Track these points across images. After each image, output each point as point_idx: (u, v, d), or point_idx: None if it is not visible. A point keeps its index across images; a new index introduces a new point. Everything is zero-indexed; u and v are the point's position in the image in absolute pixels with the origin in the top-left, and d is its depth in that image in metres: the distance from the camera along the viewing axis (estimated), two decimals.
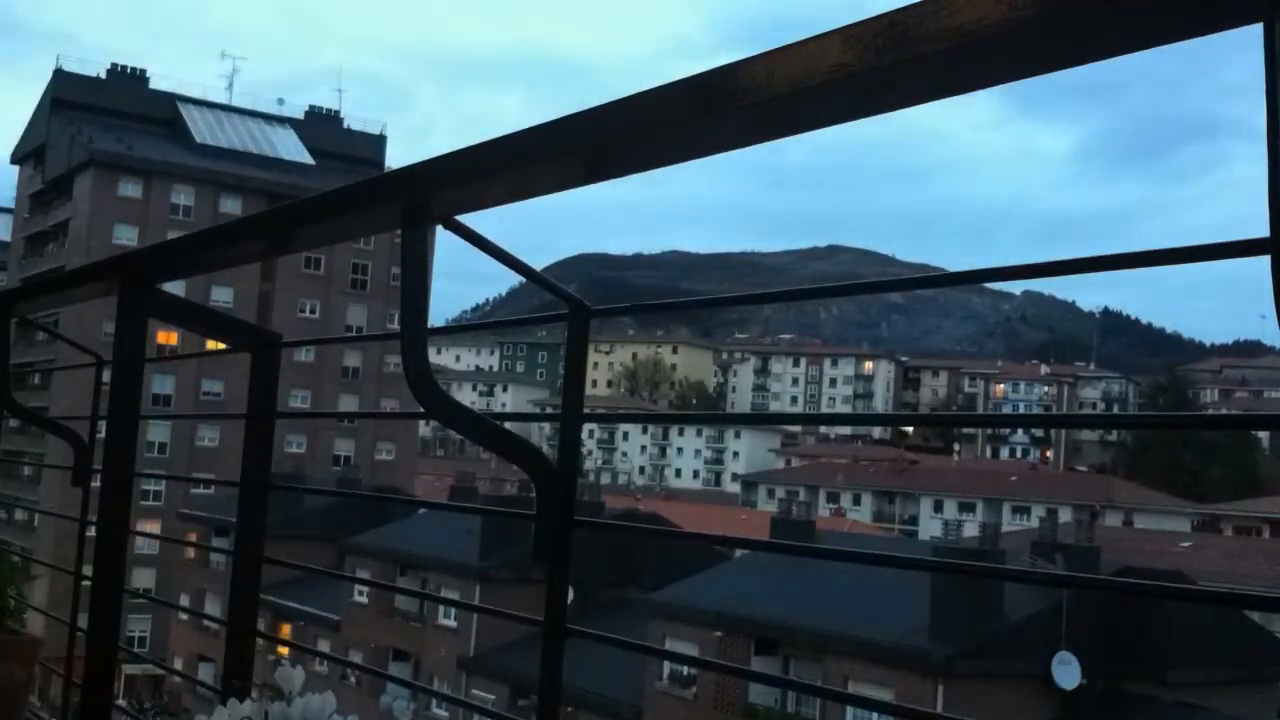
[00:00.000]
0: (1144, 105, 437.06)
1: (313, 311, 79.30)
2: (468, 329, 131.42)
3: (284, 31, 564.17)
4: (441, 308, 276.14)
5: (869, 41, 1.23)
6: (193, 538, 58.93)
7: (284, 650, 30.47)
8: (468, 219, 2.08)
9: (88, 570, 3.35)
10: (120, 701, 5.08)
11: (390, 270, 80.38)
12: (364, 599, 48.12)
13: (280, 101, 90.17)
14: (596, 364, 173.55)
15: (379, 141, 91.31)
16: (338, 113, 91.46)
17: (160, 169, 77.19)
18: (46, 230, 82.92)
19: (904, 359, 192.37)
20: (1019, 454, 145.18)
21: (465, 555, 43.26)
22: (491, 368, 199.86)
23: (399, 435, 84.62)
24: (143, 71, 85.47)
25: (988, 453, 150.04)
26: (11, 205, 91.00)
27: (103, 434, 3.42)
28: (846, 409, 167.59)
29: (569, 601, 2.23)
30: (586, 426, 3.56)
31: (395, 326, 2.25)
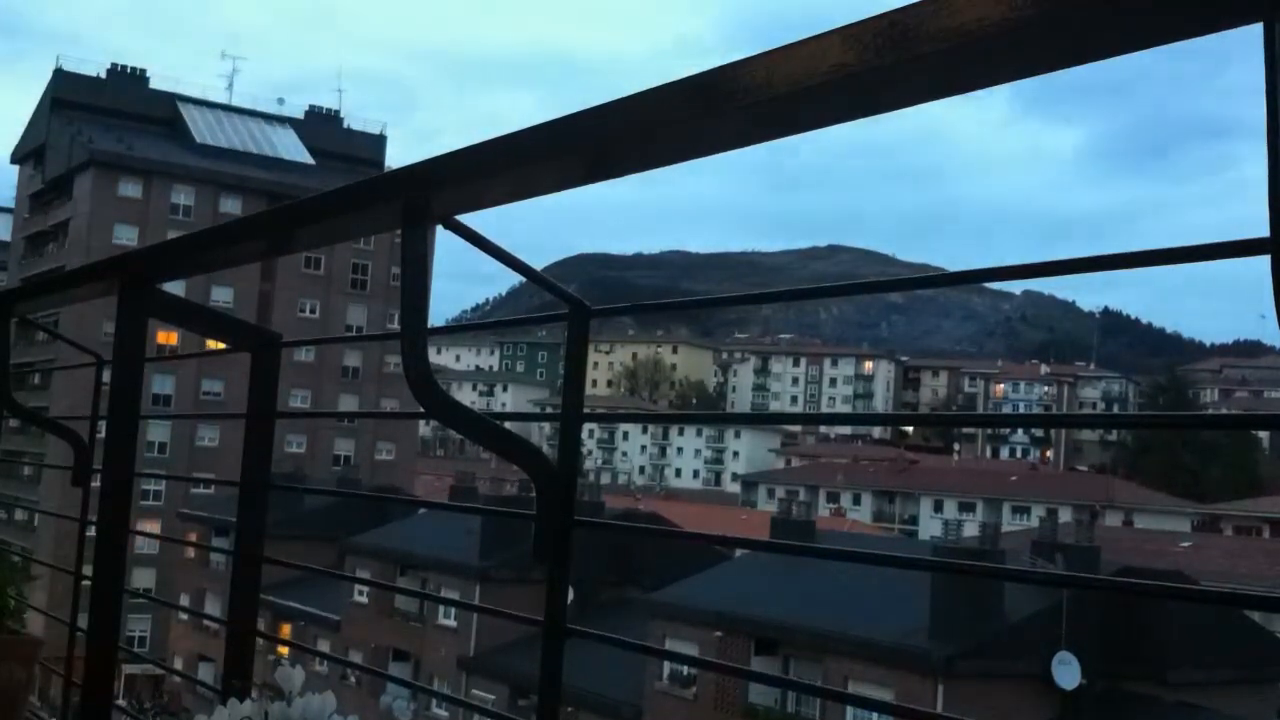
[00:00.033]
0: (1151, 105, 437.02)
1: (313, 311, 79.30)
2: (468, 329, 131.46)
3: (295, 32, 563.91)
4: (441, 308, 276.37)
5: (869, 41, 1.23)
6: (193, 538, 58.93)
7: (284, 650, 30.46)
8: (468, 219, 2.08)
9: (88, 570, 3.35)
10: (120, 701, 5.09)
11: (390, 270, 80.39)
12: (364, 599, 48.12)
13: (280, 101, 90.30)
14: (596, 364, 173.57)
15: (379, 141, 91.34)
16: (338, 113, 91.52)
17: (160, 169, 77.21)
18: (46, 230, 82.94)
19: (904, 359, 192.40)
20: (1019, 454, 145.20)
21: (465, 555, 43.26)
22: (491, 368, 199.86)
23: (399, 435, 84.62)
24: (143, 71, 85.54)
25: (988, 453, 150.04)
26: (11, 205, 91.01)
27: (103, 434, 3.42)
28: (846, 409, 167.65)
29: (569, 601, 2.23)
30: (586, 426, 3.56)
31: (395, 326, 2.25)
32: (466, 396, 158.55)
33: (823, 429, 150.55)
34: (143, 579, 61.91)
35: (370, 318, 79.67)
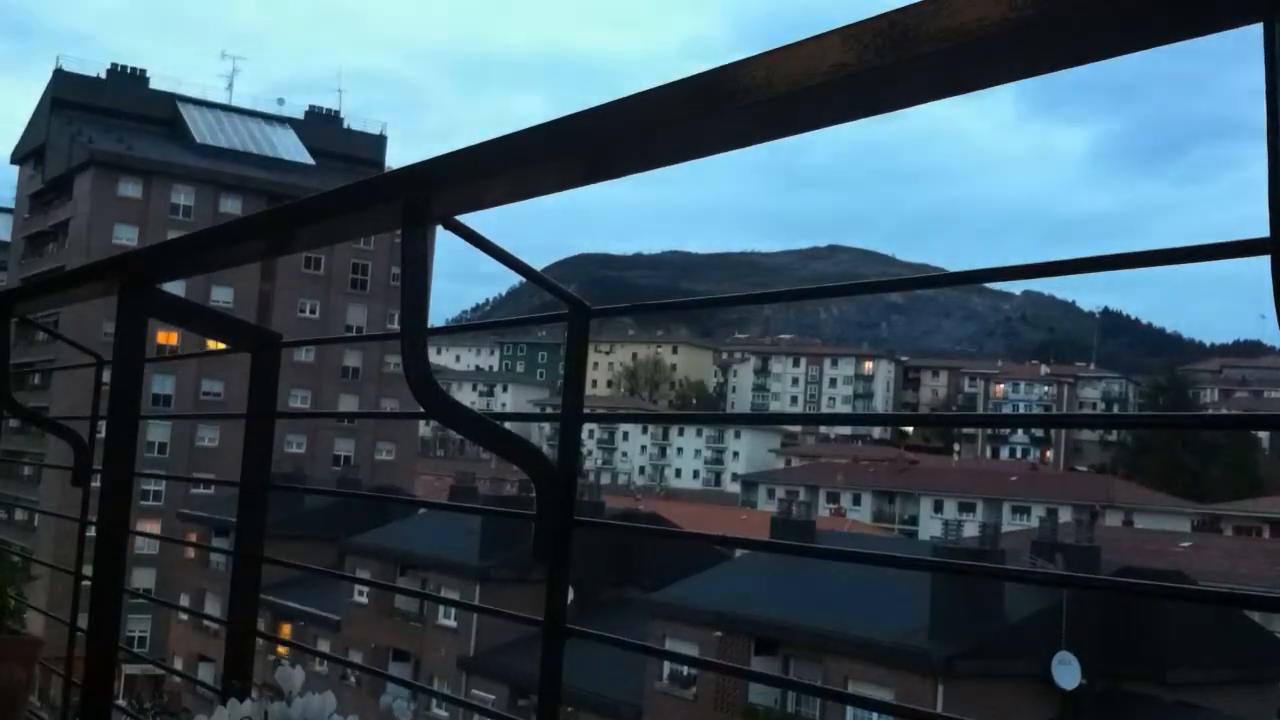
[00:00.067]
0: (1160, 105, 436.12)
1: (313, 311, 79.31)
2: (468, 329, 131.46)
3: (302, 33, 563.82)
4: (441, 308, 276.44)
5: (869, 41, 1.23)
6: (193, 538, 58.94)
7: (284, 650, 30.46)
8: (468, 219, 2.08)
9: (88, 570, 3.35)
10: (120, 701, 5.09)
11: (390, 270, 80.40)
12: (364, 599, 48.12)
13: (280, 101, 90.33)
14: (596, 364, 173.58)
15: (379, 141, 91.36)
16: (338, 113, 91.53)
17: (160, 169, 77.21)
18: (46, 230, 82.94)
19: (904, 359, 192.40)
20: (1019, 454, 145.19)
21: (465, 555, 43.26)
22: (491, 368, 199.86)
23: (399, 435, 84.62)
24: (142, 71, 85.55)
25: (988, 453, 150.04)
26: (11, 205, 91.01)
27: (103, 434, 3.42)
28: (846, 409, 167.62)
29: (569, 601, 2.23)
30: (586, 426, 3.56)
31: (395, 326, 2.25)
32: (466, 396, 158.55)
33: (823, 429, 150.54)
34: (143, 579, 61.90)
35: (370, 318, 79.67)
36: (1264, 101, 1.07)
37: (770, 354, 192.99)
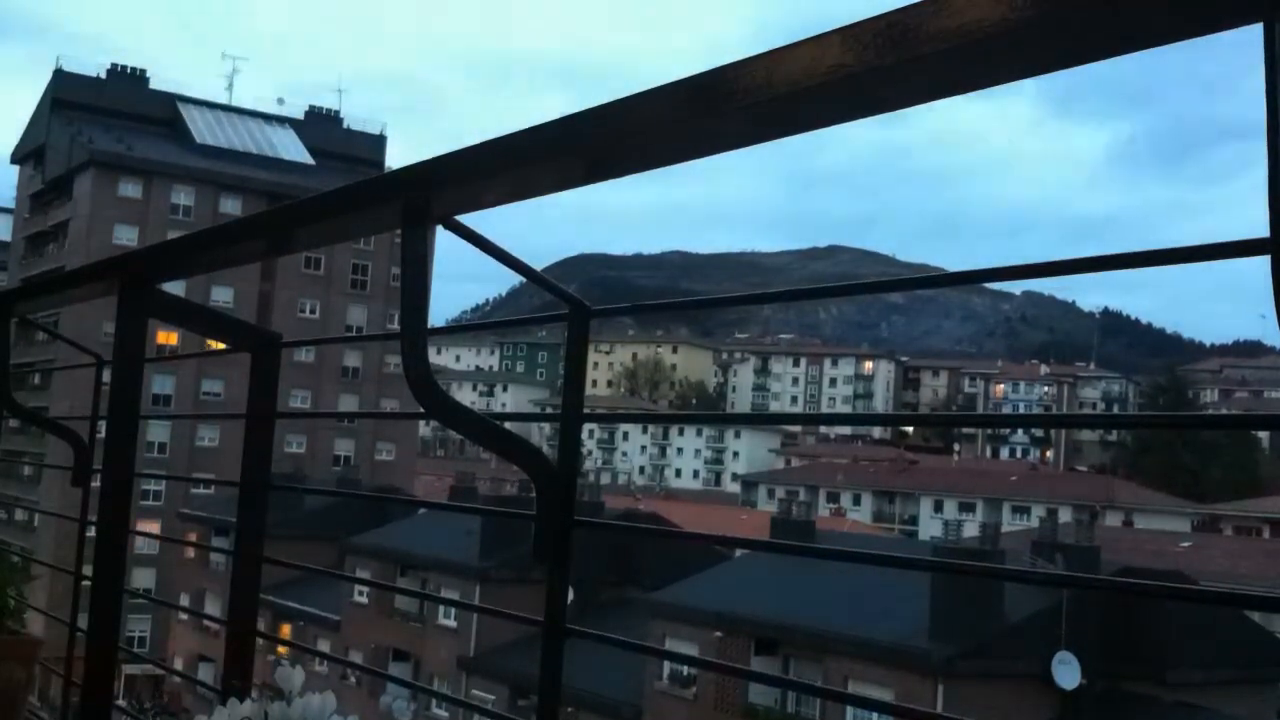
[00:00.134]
0: (1181, 107, 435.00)
1: (313, 312, 79.31)
2: (468, 329, 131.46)
3: (325, 37, 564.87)
4: (441, 308, 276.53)
5: (869, 41, 1.23)
6: (193, 538, 58.94)
7: (284, 650, 30.46)
8: (468, 219, 2.08)
9: (88, 570, 3.35)
10: (120, 701, 5.08)
11: (390, 270, 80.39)
12: (364, 599, 48.13)
13: (280, 101, 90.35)
14: (596, 364, 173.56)
15: (379, 141, 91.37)
16: (338, 113, 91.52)
17: (160, 169, 77.20)
18: (46, 230, 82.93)
19: (904, 359, 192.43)
20: (1019, 454, 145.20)
21: (465, 555, 43.27)
22: (491, 368, 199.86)
23: (399, 435, 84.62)
24: (143, 72, 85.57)
25: (988, 453, 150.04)
26: (11, 205, 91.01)
27: (103, 434, 3.42)
28: (846, 409, 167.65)
29: (569, 601, 2.23)
30: (586, 426, 3.56)
31: (395, 326, 2.25)
32: (466, 397, 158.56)
33: (823, 429, 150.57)
34: (143, 579, 61.92)
35: (370, 318, 79.68)
36: (1264, 101, 1.07)
37: (770, 354, 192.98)
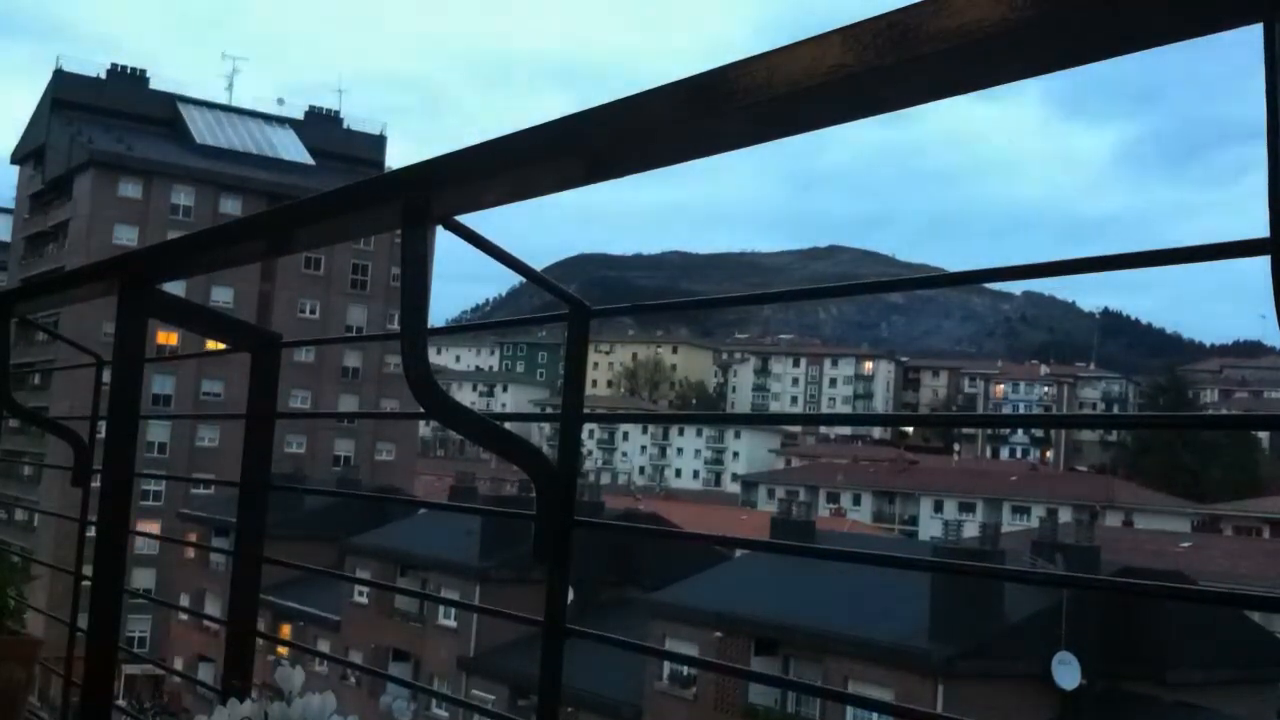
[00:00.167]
0: (1188, 108, 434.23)
1: (313, 312, 79.31)
2: (468, 329, 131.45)
3: (330, 37, 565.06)
4: (441, 308, 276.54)
5: (869, 42, 1.23)
6: (193, 538, 58.94)
7: (284, 650, 30.46)
8: (468, 219, 2.08)
9: (88, 570, 3.35)
10: (120, 701, 5.08)
11: (390, 270, 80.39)
12: (364, 599, 48.13)
13: (280, 102, 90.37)
14: (596, 364, 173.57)
15: (379, 141, 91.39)
16: (338, 113, 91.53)
17: (160, 169, 77.20)
18: (46, 230, 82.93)
19: (904, 359, 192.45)
20: (1019, 454, 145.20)
21: (465, 555, 43.27)
22: (491, 368, 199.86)
23: (399, 435, 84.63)
24: (143, 72, 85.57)
25: (988, 453, 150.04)
26: (11, 205, 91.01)
27: (103, 434, 3.42)
28: (846, 409, 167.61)
29: (569, 601, 2.23)
30: (586, 426, 3.56)
31: (395, 326, 2.25)
32: (466, 397, 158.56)
33: (823, 429, 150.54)
34: (143, 579, 61.92)
35: (370, 318, 79.69)
36: (1264, 101, 1.07)
37: (770, 354, 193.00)
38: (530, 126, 1.68)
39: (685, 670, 35.96)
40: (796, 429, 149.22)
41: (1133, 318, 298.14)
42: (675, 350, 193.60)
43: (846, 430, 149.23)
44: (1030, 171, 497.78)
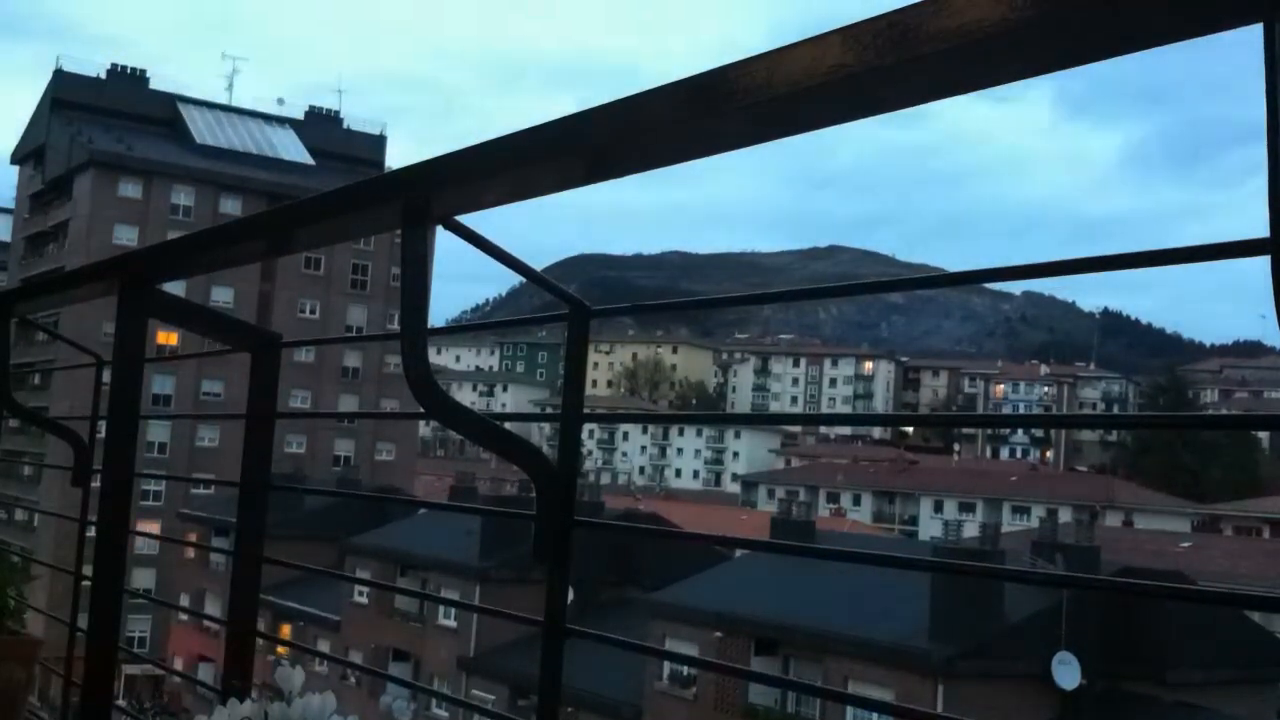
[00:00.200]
0: (1198, 109, 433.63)
1: (313, 312, 79.31)
2: (468, 329, 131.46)
3: (322, 36, 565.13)
4: (441, 308, 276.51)
5: (869, 42, 1.23)
6: (193, 538, 58.94)
7: (284, 650, 30.46)
8: (468, 219, 2.08)
9: (88, 570, 3.35)
10: (120, 701, 5.08)
11: (390, 270, 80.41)
12: (364, 599, 48.13)
13: (280, 102, 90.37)
14: (596, 364, 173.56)
15: (379, 142, 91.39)
16: (338, 113, 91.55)
17: (160, 169, 77.21)
18: (46, 230, 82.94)
19: (904, 359, 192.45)
20: (1019, 454, 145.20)
21: (465, 555, 43.27)
22: (491, 368, 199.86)
23: (399, 435, 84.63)
24: (143, 72, 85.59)
25: (988, 453, 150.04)
26: (11, 205, 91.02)
27: (103, 434, 3.42)
28: (846, 409, 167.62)
29: (569, 601, 2.23)
30: (586, 426, 3.56)
31: (395, 326, 2.25)
32: (466, 397, 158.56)
33: (823, 429, 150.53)
34: (143, 579, 61.92)
35: (370, 318, 79.69)
36: (1264, 101, 1.07)
37: (770, 354, 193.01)
38: (530, 126, 1.68)
39: (685, 670, 35.96)
40: (796, 429, 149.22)
41: (1133, 318, 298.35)
42: (675, 350, 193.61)
43: (846, 430, 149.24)
44: (1037, 172, 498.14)
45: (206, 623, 49.25)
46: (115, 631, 3.10)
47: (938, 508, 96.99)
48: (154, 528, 56.76)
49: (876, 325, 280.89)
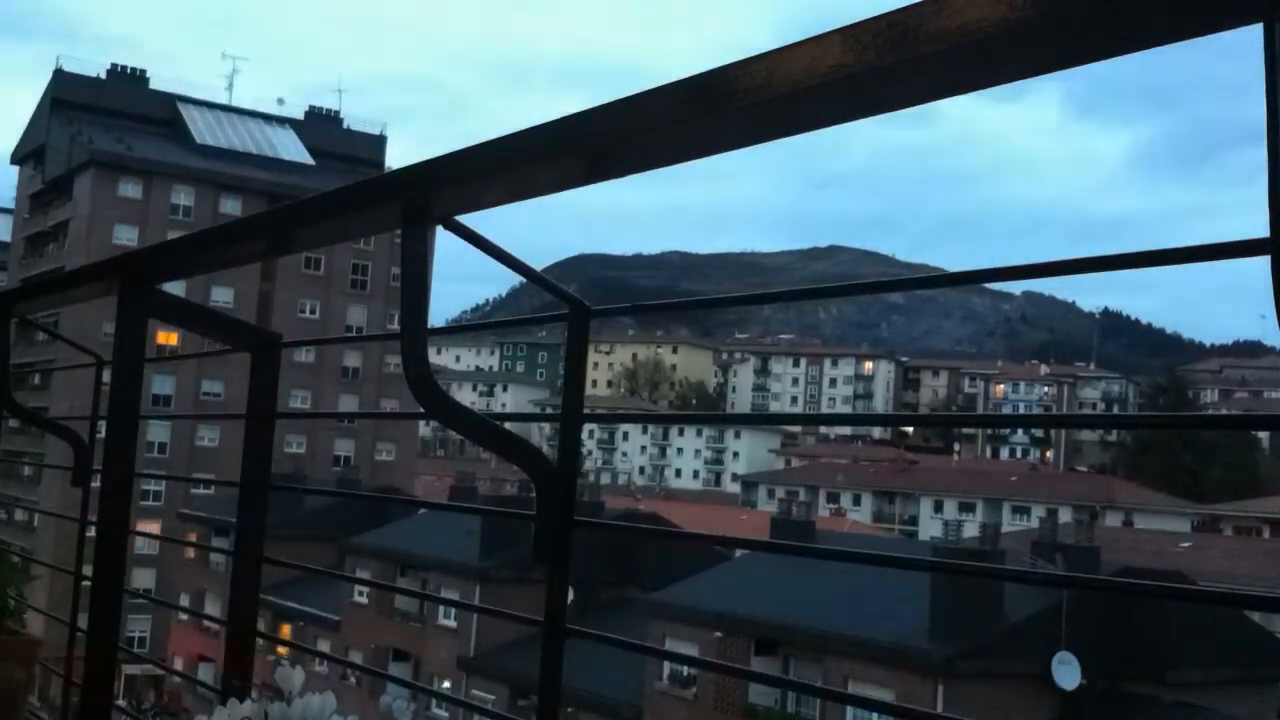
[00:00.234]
0: (1205, 110, 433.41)
1: (313, 312, 79.31)
2: (468, 329, 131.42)
3: (323, 36, 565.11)
4: (441, 308, 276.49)
5: (869, 42, 1.23)
6: (193, 538, 58.95)
7: (284, 650, 30.46)
8: (468, 219, 2.08)
9: (88, 570, 3.35)
10: (120, 701, 5.08)
11: (390, 270, 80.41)
12: (364, 599, 48.13)
13: (280, 102, 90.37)
14: (596, 364, 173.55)
15: (379, 142, 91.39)
16: (338, 113, 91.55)
17: (160, 169, 77.21)
18: (46, 230, 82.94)
19: (904, 359, 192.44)
20: (1019, 454, 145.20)
21: (465, 555, 43.27)
22: (491, 368, 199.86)
23: (399, 435, 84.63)
24: (143, 71, 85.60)
25: (988, 453, 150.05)
26: (11, 205, 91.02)
27: (103, 434, 3.42)
28: (846, 409, 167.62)
29: (569, 601, 2.23)
30: (586, 426, 3.56)
31: (395, 326, 2.25)
32: (466, 397, 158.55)
33: (823, 429, 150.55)
34: (143, 579, 61.92)
35: (370, 318, 79.69)
36: (1264, 101, 1.07)
37: (770, 354, 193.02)
38: (530, 126, 1.68)
39: (685, 670, 35.96)
40: (796, 429, 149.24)
41: (1133, 318, 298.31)
42: (675, 350, 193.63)
43: (846, 430, 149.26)
44: (1044, 172, 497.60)
45: (206, 623, 49.25)
46: (115, 631, 3.10)
47: (938, 508, 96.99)
48: (154, 528, 56.77)
49: (876, 325, 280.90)
